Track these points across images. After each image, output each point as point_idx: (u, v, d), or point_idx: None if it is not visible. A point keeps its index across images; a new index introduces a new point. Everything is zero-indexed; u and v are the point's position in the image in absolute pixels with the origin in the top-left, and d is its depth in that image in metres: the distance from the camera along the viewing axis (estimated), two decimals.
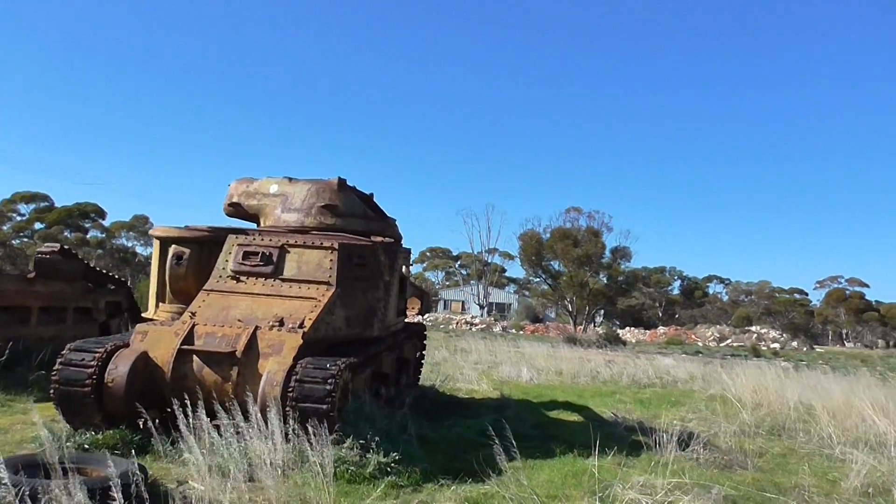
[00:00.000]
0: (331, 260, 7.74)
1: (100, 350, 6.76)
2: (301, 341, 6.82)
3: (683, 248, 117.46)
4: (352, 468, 6.10)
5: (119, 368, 6.64)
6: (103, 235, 52.69)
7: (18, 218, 51.01)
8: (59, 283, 11.65)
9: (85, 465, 5.36)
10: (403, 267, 9.21)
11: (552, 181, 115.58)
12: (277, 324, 7.04)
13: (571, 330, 36.52)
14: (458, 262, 79.41)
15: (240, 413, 6.69)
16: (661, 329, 52.24)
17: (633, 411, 10.91)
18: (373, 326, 7.88)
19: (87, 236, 51.23)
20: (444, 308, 66.41)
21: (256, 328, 6.96)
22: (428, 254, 78.32)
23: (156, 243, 8.22)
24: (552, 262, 38.39)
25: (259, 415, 6.46)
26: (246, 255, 7.78)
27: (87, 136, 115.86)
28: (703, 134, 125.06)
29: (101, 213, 52.15)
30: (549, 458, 7.35)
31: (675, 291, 70.81)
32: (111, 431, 6.58)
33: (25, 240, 50.09)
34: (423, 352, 11.41)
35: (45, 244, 12.39)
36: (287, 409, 6.33)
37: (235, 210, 8.96)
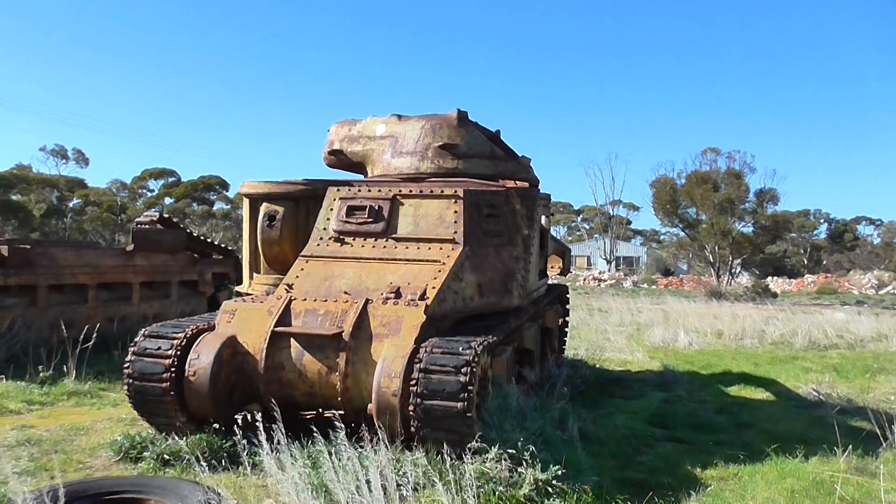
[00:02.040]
0: (455, 211, 6.11)
1: (179, 335, 5.44)
2: (424, 317, 5.26)
3: (827, 188, 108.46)
4: (500, 489, 4.48)
5: (202, 358, 5.30)
6: (228, 207, 53.59)
7: (149, 194, 52.60)
8: (160, 256, 10.70)
9: (146, 495, 4.02)
10: (543, 217, 7.47)
11: (681, 123, 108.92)
12: (393, 295, 5.50)
13: (713, 283, 33.62)
14: (581, 216, 76.64)
15: (347, 413, 5.27)
16: (809, 277, 47.97)
17: (834, 384, 8.78)
18: (512, 293, 6.21)
19: (213, 209, 52.23)
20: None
21: (367, 302, 5.45)
22: None
23: (245, 203, 6.85)
24: (688, 210, 35.49)
25: (374, 417, 4.98)
26: (350, 211, 6.27)
27: (206, 109, 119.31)
28: (844, 61, 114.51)
29: (225, 185, 52.91)
30: (756, 461, 5.51)
31: (821, 236, 65.26)
32: (197, 437, 5.28)
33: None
34: (567, 318, 9.68)
35: (144, 213, 11.45)
36: (410, 408, 4.80)
37: (337, 159, 7.46)
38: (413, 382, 4.82)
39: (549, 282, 9.44)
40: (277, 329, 5.37)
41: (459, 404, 4.71)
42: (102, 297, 9.87)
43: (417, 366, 4.86)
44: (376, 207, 6.23)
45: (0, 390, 7.16)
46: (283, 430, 4.88)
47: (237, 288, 7.11)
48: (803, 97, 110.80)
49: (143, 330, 5.59)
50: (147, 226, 10.89)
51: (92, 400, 7.19)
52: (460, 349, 4.90)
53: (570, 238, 75.05)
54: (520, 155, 7.50)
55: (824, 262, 62.42)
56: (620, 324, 15.87)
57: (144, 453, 5.22)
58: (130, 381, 5.36)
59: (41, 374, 7.51)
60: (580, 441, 5.59)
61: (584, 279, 46.62)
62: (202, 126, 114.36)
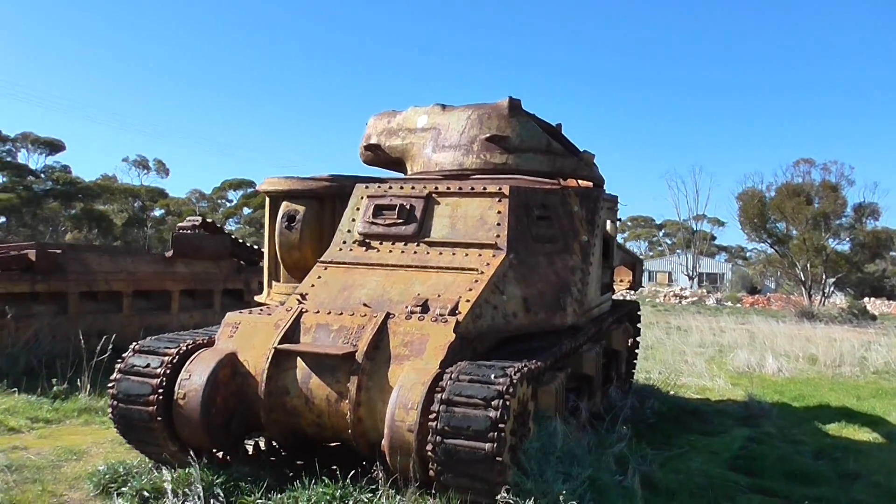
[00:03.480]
0: (499, 212, 5.21)
1: (171, 351, 4.71)
2: (453, 336, 4.37)
3: None
4: None
5: (193, 378, 4.55)
6: None
7: (228, 204, 53.42)
8: (202, 263, 10.15)
9: None
10: (608, 222, 6.48)
11: (772, 133, 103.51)
12: (419, 309, 4.63)
13: (803, 302, 31.41)
14: (663, 231, 74.13)
15: (359, 448, 4.43)
16: None
17: None
18: (565, 310, 5.25)
19: None
20: (650, 280, 61.91)
21: (388, 316, 4.59)
22: (629, 223, 73.52)
23: (266, 202, 6.12)
24: (778, 225, 33.33)
25: (387, 456, 4.12)
26: (378, 211, 5.45)
27: (289, 121, 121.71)
28: None
29: None
30: None
31: None
32: (185, 471, 4.52)
33: (237, 225, 52.31)
34: (638, 338, 8.59)
35: (188, 218, 10.94)
36: (428, 447, 3.92)
37: (374, 154, 6.66)
38: (433, 416, 3.93)
39: (618, 297, 8.40)
40: (281, 347, 4.57)
41: (488, 445, 3.80)
42: (139, 305, 9.36)
43: (439, 396, 3.97)
44: (408, 207, 5.38)
45: (8, 405, 6.61)
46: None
47: (256, 297, 6.37)
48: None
49: (134, 344, 4.89)
50: (189, 231, 10.38)
51: (102, 418, 6.54)
52: (493, 377, 3.99)
53: (650, 253, 72.66)
54: (583, 150, 6.53)
55: None
56: (701, 344, 14.54)
57: (124, 488, 4.49)
58: (115, 402, 4.66)
59: (55, 388, 6.96)
60: (643, 491, 4.58)
61: (665, 296, 44.68)
62: (284, 139, 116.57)
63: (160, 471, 4.61)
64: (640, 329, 8.65)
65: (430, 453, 3.92)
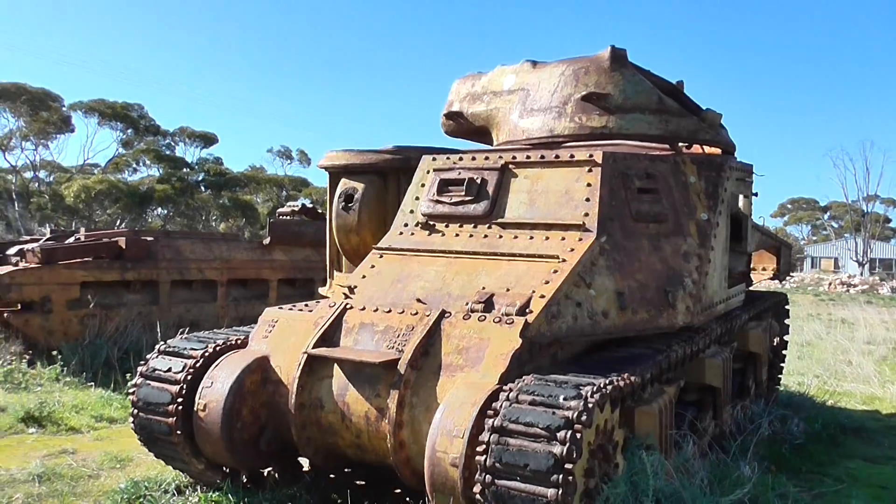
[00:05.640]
0: (588, 184, 4.17)
1: (197, 353, 4.05)
2: (518, 342, 3.41)
3: None
4: None
5: (215, 386, 3.86)
6: None
7: None
8: (302, 250, 9.62)
9: None
10: (741, 197, 5.24)
11: None
12: (481, 307, 3.70)
13: None
14: (828, 214, 68.30)
15: (405, 477, 3.57)
16: None
17: None
18: (675, 307, 4.13)
19: None
20: (813, 267, 57.20)
21: (443, 315, 3.70)
22: (789, 205, 68.18)
23: (327, 180, 5.36)
24: None
25: (428, 494, 3.25)
26: (444, 187, 4.54)
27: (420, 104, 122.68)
28: None
29: None
30: None
31: None
32: (209, 495, 3.86)
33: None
34: (786, 337, 7.20)
35: (287, 203, 10.50)
36: (475, 489, 3.01)
37: (456, 124, 5.72)
38: (482, 448, 3.01)
39: (761, 287, 7.07)
40: (314, 351, 3.78)
41: (551, 491, 2.85)
42: (234, 294, 8.99)
43: (489, 422, 3.04)
44: (478, 181, 4.44)
45: (79, 400, 6.30)
46: None
47: (320, 290, 5.65)
48: None
49: (160, 343, 4.29)
50: (288, 217, 9.94)
51: None
52: (562, 398, 3.01)
53: (814, 238, 67.23)
54: (707, 109, 5.30)
55: None
56: (869, 341, 12.61)
57: None
58: (135, 410, 4.07)
59: (129, 383, 6.59)
60: None
61: (830, 284, 40.94)
62: (417, 123, 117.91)
63: (185, 493, 3.99)
64: (788, 326, 7.26)
65: (478, 496, 3.02)
